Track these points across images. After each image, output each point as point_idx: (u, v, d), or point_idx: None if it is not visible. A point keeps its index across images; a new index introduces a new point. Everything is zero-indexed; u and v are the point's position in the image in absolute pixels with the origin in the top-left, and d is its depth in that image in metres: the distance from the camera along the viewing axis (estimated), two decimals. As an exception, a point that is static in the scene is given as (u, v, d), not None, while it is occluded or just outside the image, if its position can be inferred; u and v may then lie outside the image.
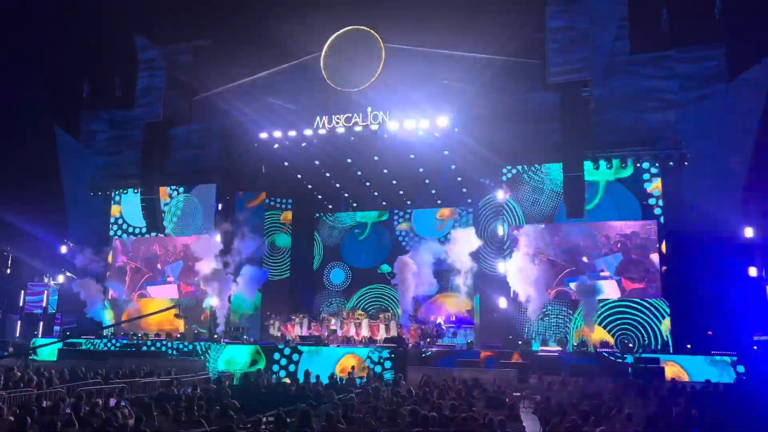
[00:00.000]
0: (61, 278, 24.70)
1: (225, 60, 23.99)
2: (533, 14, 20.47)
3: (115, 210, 25.30)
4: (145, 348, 20.72)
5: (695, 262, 18.02)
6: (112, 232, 25.05)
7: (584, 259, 19.85)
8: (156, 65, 24.35)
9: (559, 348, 18.15)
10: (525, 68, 20.94)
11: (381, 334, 20.03)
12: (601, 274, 19.47)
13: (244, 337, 20.92)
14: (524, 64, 20.98)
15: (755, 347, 17.06)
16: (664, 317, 18.56)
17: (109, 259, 24.68)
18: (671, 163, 18.98)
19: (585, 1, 19.65)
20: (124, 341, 21.59)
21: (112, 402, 9.74)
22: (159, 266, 24.41)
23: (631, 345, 18.01)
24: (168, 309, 22.97)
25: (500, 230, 20.77)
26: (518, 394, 13.89)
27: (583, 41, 19.36)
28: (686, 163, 18.84)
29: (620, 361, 16.59)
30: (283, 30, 22.06)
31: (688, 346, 17.13)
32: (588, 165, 19.36)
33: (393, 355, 17.36)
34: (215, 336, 21.35)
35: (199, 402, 9.42)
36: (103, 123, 25.69)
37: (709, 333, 17.53)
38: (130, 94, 24.85)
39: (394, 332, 19.79)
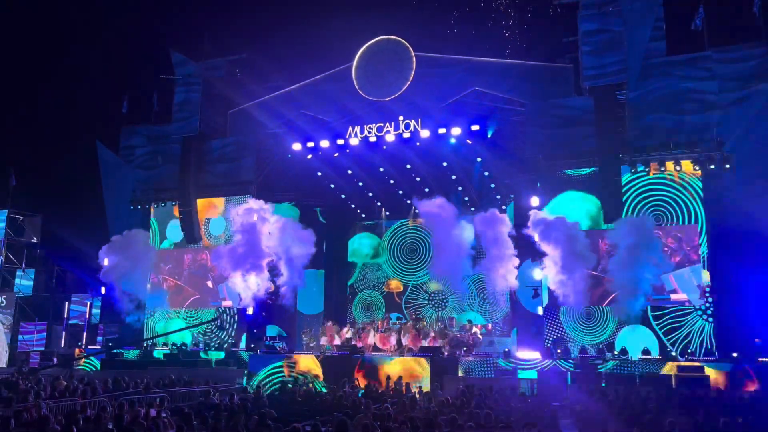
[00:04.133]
0: (103, 290, 25.32)
1: (259, 73, 24.44)
2: (566, 18, 20.31)
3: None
4: (185, 357, 21.09)
5: (739, 266, 17.44)
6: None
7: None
8: (192, 80, 24.94)
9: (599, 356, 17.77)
10: (558, 73, 20.70)
11: (414, 343, 19.95)
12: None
13: (279, 346, 21.07)
14: (557, 69, 20.76)
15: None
16: (707, 323, 18.05)
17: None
18: (712, 166, 18.47)
19: (619, 3, 19.40)
20: (165, 351, 22.02)
21: (153, 411, 9.93)
22: (209, 284, 24.30)
23: (674, 354, 17.53)
24: (209, 322, 23.37)
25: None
26: (557, 403, 13.65)
27: (618, 44, 19.08)
28: (728, 165, 18.31)
29: (661, 370, 16.18)
30: (316, 42, 22.39)
31: (734, 354, 16.56)
32: (625, 168, 19.02)
33: (430, 365, 17.26)
34: (251, 345, 21.59)
35: (237, 411, 9.54)
36: (142, 138, 26.35)
37: (757, 341, 16.93)
38: (168, 109, 25.52)
39: (429, 341, 19.69)
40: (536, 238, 18.49)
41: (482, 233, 19.51)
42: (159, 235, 25.56)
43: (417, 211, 23.06)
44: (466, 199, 24.46)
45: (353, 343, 20.19)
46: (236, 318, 23.42)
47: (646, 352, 17.53)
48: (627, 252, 17.16)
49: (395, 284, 27.01)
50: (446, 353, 18.62)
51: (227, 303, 23.49)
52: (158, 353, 22.13)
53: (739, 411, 10.67)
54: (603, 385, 15.47)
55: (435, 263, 20.99)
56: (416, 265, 27.01)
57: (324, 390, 15.93)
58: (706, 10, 18.84)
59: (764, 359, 15.87)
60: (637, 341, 18.27)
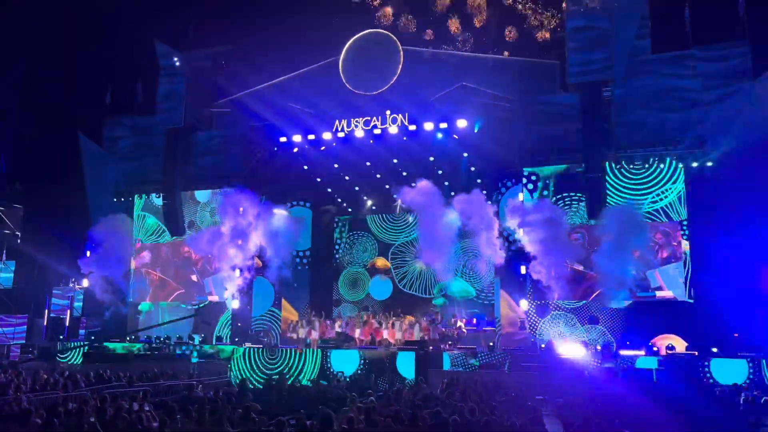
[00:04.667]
0: (85, 282, 25.04)
1: (245, 65, 24.21)
2: (553, 14, 20.39)
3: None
4: (170, 352, 20.95)
5: (720, 263, 17.67)
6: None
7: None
8: (177, 71, 24.67)
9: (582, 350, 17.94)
10: (545, 69, 20.79)
11: (399, 336, 20.05)
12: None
13: (265, 340, 21.05)
14: (544, 65, 20.85)
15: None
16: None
17: (133, 264, 24.99)
18: (695, 164, 18.67)
19: (605, 0, 19.50)
20: (148, 344, 21.85)
21: (136, 405, 9.85)
22: (194, 278, 24.16)
23: (655, 348, 17.74)
24: (191, 316, 23.22)
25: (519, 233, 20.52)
26: (541, 397, 13.76)
27: (604, 41, 19.20)
28: (710, 163, 18.54)
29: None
30: (302, 34, 22.24)
31: (714, 349, 16.82)
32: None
33: (414, 358, 17.33)
34: (236, 339, 21.52)
35: (221, 405, 9.50)
36: (126, 129, 26.05)
37: (736, 335, 17.21)
38: (152, 101, 25.22)
39: (415, 335, 19.79)
40: (518, 229, 18.71)
41: (463, 211, 19.56)
42: (144, 229, 25.34)
43: (403, 205, 23.15)
44: (453, 194, 24.46)
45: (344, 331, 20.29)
46: (222, 311, 23.33)
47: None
48: (615, 238, 17.31)
49: (381, 263, 27.10)
50: (431, 347, 18.70)
51: (213, 297, 23.36)
52: (136, 345, 21.95)
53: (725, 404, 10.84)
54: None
55: (422, 248, 21.01)
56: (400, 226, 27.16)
57: (309, 384, 15.93)
58: (690, 8, 19.01)
59: (742, 354, 16.11)
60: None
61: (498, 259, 20.05)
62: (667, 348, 17.64)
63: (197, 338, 21.83)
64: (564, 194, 19.94)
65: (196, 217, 24.38)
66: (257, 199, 21.58)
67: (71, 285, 27.35)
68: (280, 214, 22.12)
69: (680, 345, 17.98)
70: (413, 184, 19.92)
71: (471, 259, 23.72)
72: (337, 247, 28.01)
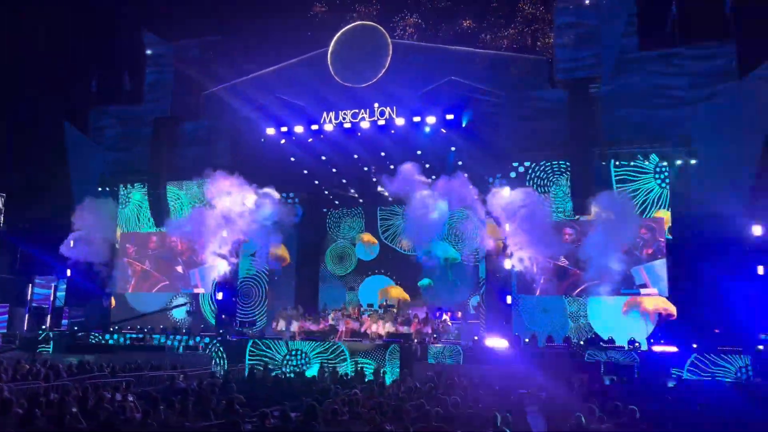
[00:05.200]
0: (69, 272, 24.81)
1: (233, 55, 24.04)
2: (543, 11, 20.47)
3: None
4: (153, 342, 20.83)
5: (702, 261, 17.89)
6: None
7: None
8: (164, 61, 24.44)
9: (566, 344, 18.11)
10: (533, 65, 20.86)
11: (385, 330, 20.05)
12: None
13: (250, 332, 21.01)
14: (533, 61, 20.92)
15: (760, 346, 16.93)
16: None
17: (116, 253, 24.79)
18: (679, 161, 18.86)
19: (594, -3, 19.59)
20: (132, 335, 21.72)
21: (119, 395, 9.79)
22: (179, 269, 23.99)
23: (637, 344, 17.94)
24: (179, 306, 23.13)
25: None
26: (524, 391, 13.86)
27: (593, 38, 19.31)
28: (693, 161, 18.73)
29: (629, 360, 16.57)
30: (291, 25, 22.14)
31: (694, 345, 17.04)
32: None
33: (399, 351, 17.38)
34: (221, 331, 21.44)
35: (205, 396, 9.48)
36: (112, 119, 25.77)
37: (716, 331, 17.44)
38: (139, 90, 24.95)
39: (400, 328, 19.82)
40: (503, 222, 18.83)
41: (445, 192, 19.58)
42: (128, 218, 25.13)
43: (389, 198, 23.19)
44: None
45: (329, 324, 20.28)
46: (207, 302, 23.24)
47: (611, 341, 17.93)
48: (603, 226, 17.53)
49: (368, 238, 27.20)
50: (416, 340, 18.78)
51: (199, 290, 23.24)
52: (126, 337, 21.82)
53: (700, 398, 11.00)
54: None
55: (409, 235, 21.15)
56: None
57: (293, 375, 15.95)
58: (677, 6, 19.14)
59: (722, 348, 16.33)
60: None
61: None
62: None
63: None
64: (550, 190, 20.05)
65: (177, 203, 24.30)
66: (246, 182, 21.41)
67: (54, 275, 27.06)
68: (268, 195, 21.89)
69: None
70: (393, 166, 19.97)
71: (456, 223, 23.68)
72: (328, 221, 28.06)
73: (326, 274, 27.40)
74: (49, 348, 21.09)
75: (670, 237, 18.89)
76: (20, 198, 28.15)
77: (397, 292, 25.88)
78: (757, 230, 18.33)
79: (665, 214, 19.07)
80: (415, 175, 19.20)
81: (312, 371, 17.03)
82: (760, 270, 18.15)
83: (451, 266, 24.47)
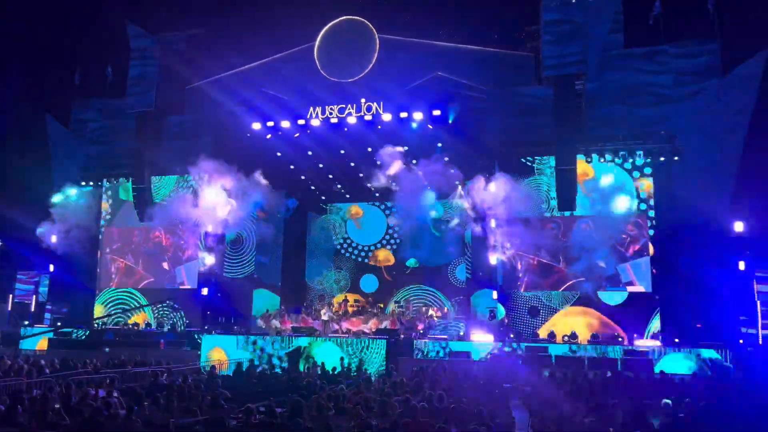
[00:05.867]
0: (51, 268, 24.53)
1: (218, 49, 23.79)
2: (529, 7, 20.52)
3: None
4: (137, 338, 20.68)
5: (685, 257, 18.10)
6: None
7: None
8: (148, 54, 24.11)
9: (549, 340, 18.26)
10: (519, 61, 20.91)
11: (371, 326, 20.11)
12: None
13: (235, 328, 20.93)
14: (519, 57, 20.98)
15: (741, 340, 17.21)
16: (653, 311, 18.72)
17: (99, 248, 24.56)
18: (662, 158, 19.05)
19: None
20: (116, 331, 21.54)
21: (103, 392, 9.72)
22: (165, 266, 23.82)
23: (620, 339, 18.15)
24: (162, 302, 22.95)
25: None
26: (508, 385, 13.98)
27: (579, 34, 19.36)
28: (676, 158, 18.93)
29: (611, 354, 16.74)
30: (277, 20, 21.95)
31: (676, 340, 17.27)
32: (580, 158, 19.42)
33: (385, 346, 17.41)
34: (206, 327, 21.35)
35: (190, 392, 9.44)
36: (95, 112, 25.47)
37: (698, 326, 17.68)
38: (123, 83, 24.63)
39: (385, 323, 19.89)
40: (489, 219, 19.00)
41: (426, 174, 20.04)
42: (111, 214, 24.89)
43: (375, 193, 23.22)
44: (426, 184, 24.52)
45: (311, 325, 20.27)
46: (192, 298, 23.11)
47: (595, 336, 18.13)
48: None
49: (355, 210, 27.39)
50: (402, 335, 18.83)
51: (185, 287, 23.08)
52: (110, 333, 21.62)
53: (680, 392, 11.15)
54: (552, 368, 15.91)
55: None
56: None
57: (278, 371, 15.92)
58: (663, 4, 19.29)
59: (705, 343, 16.56)
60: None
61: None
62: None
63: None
64: (535, 185, 20.16)
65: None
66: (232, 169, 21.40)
67: (36, 270, 26.75)
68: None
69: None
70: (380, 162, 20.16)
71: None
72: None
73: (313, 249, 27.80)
74: (32, 344, 20.86)
75: (652, 232, 19.09)
76: (1, 192, 27.72)
77: (384, 255, 27.07)
78: (738, 226, 18.60)
79: (650, 210, 19.24)
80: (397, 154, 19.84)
81: (298, 367, 17.01)
82: (742, 265, 18.42)
83: (436, 224, 24.93)
